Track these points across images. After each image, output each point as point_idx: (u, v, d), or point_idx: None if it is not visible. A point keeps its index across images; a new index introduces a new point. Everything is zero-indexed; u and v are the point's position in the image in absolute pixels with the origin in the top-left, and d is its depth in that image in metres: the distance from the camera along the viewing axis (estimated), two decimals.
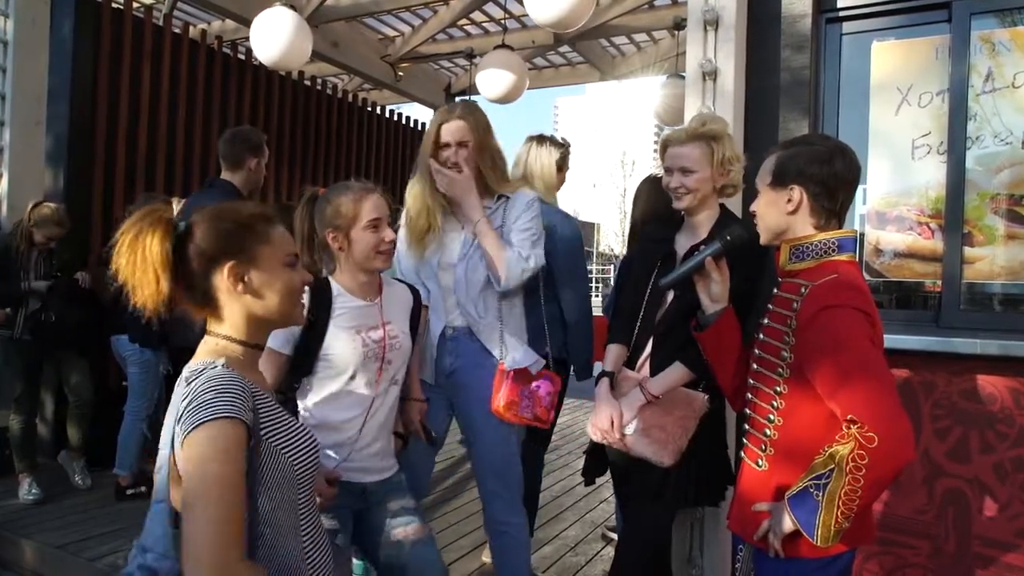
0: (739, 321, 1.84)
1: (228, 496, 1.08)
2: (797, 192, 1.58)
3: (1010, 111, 2.53)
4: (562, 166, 3.06)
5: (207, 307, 1.27)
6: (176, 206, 1.25)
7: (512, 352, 2.27)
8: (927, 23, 2.65)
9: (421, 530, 1.95)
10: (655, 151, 2.29)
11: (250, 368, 1.29)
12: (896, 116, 2.70)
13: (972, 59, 2.56)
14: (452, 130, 2.23)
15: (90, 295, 4.01)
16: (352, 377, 1.87)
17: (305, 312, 1.39)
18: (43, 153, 4.49)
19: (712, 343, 1.83)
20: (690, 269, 1.82)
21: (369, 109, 7.16)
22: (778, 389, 1.58)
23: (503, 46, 5.00)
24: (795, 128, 2.68)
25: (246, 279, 1.24)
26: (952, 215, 2.57)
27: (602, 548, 3.40)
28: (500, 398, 2.21)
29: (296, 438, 1.27)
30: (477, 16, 5.83)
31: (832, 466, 1.41)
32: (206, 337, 1.28)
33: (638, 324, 2.16)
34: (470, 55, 6.18)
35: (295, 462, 1.25)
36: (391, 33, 6.38)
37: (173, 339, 3.51)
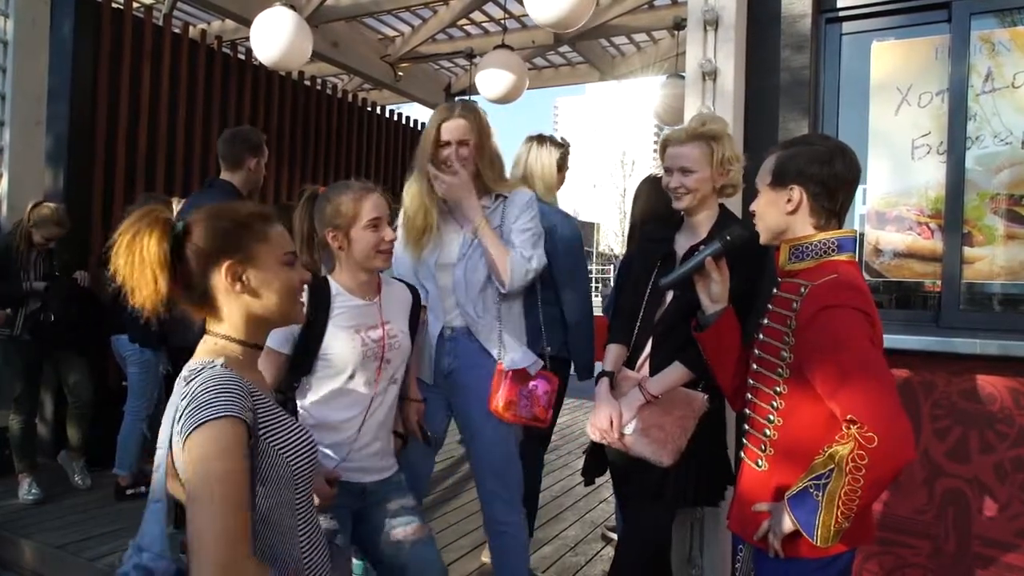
0: (739, 321, 1.84)
1: (232, 494, 1.08)
2: (797, 192, 1.58)
3: (1010, 111, 2.53)
4: (562, 166, 3.06)
5: (206, 307, 1.27)
6: (176, 206, 1.25)
7: (511, 352, 2.27)
8: (927, 23, 2.66)
9: (421, 530, 1.95)
10: (655, 151, 2.29)
11: (249, 368, 1.29)
12: (896, 116, 2.70)
13: (972, 59, 2.56)
14: (452, 128, 2.22)
15: (89, 294, 4.01)
16: (351, 376, 1.87)
17: (304, 311, 1.39)
18: (43, 153, 4.49)
19: (712, 343, 1.83)
20: (690, 269, 1.82)
21: (369, 109, 7.16)
22: (778, 389, 1.58)
23: (503, 46, 4.99)
24: (795, 128, 2.68)
25: (244, 278, 1.24)
26: (952, 215, 2.57)
27: (602, 548, 3.40)
28: (499, 398, 2.21)
29: (294, 438, 1.27)
30: (477, 16, 5.83)
31: (832, 466, 1.41)
32: (205, 336, 1.28)
33: (638, 324, 2.16)
34: (470, 55, 6.17)
35: (292, 462, 1.25)
36: (391, 33, 6.38)
37: (173, 339, 3.51)
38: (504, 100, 5.06)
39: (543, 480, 3.28)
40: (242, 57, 5.73)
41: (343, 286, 1.92)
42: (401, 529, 1.91)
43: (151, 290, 1.18)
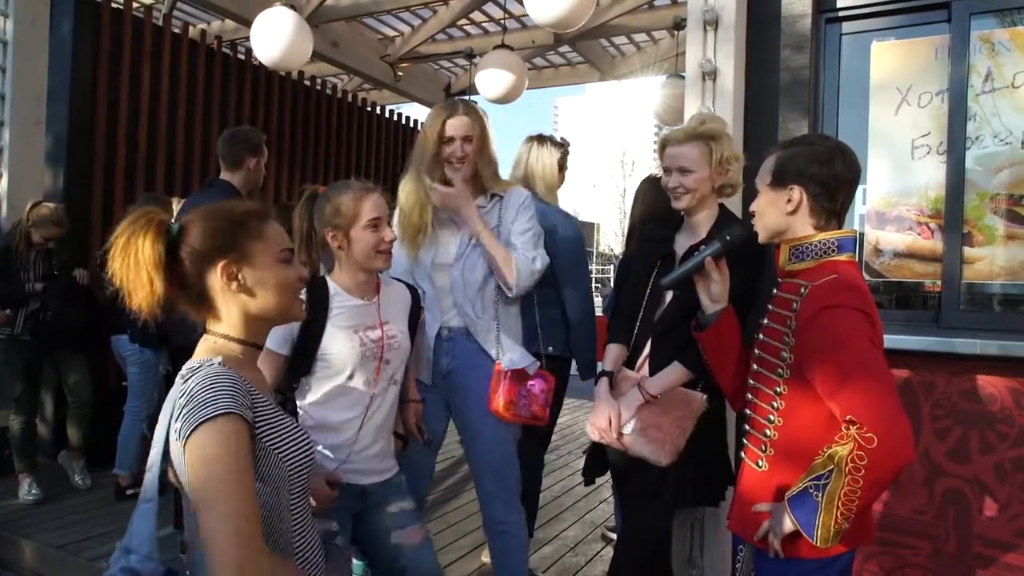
0: (739, 321, 1.84)
1: (239, 492, 1.09)
2: (797, 192, 1.58)
3: (1010, 111, 2.53)
4: (562, 165, 3.06)
5: (204, 307, 1.27)
6: (176, 206, 1.26)
7: (509, 353, 2.27)
8: (927, 23, 2.65)
9: (419, 534, 1.95)
10: (655, 151, 2.29)
11: (249, 367, 1.28)
12: (896, 116, 2.70)
13: (972, 59, 2.56)
14: (457, 125, 2.22)
15: (88, 293, 4.01)
16: (350, 377, 1.87)
17: (304, 308, 1.39)
18: (43, 153, 4.49)
19: (712, 343, 1.83)
20: (690, 269, 1.82)
21: (369, 109, 7.16)
22: (778, 389, 1.58)
23: (503, 46, 4.99)
24: (795, 128, 2.68)
25: (240, 277, 1.24)
26: (952, 215, 2.57)
27: (602, 548, 3.40)
28: (499, 398, 2.21)
29: (290, 439, 1.27)
30: (477, 16, 5.83)
31: (831, 467, 1.41)
32: (205, 336, 1.28)
33: (637, 324, 2.16)
34: (470, 55, 6.17)
35: (288, 463, 1.25)
36: (391, 33, 6.38)
37: (173, 339, 3.51)
38: (504, 100, 5.06)
39: (543, 480, 3.28)
40: (242, 57, 5.73)
41: (341, 286, 1.92)
42: (399, 532, 1.91)
43: (147, 292, 1.18)
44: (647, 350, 2.13)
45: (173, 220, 1.26)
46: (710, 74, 2.64)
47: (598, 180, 68.03)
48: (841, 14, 2.72)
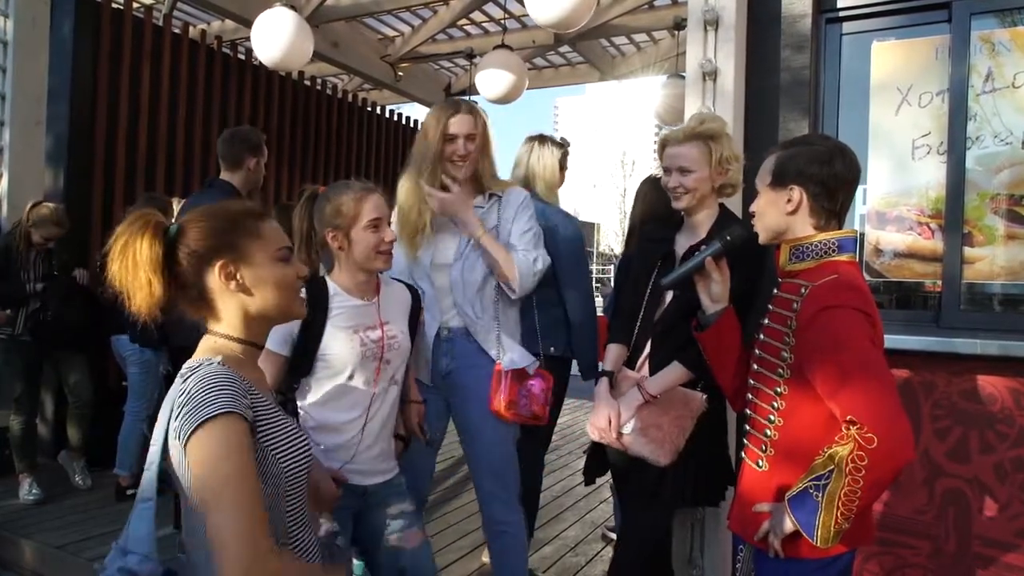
0: (739, 321, 1.84)
1: (244, 491, 1.09)
2: (797, 192, 1.58)
3: (1010, 111, 2.53)
4: (563, 165, 3.06)
5: (203, 307, 1.27)
6: (176, 206, 1.26)
7: (510, 352, 2.27)
8: (927, 23, 2.65)
9: (417, 536, 1.95)
10: (655, 151, 2.29)
11: (249, 366, 1.28)
12: (896, 116, 2.70)
13: (972, 59, 2.56)
14: (461, 123, 2.22)
15: (88, 293, 4.01)
16: (350, 377, 1.86)
17: (304, 305, 1.38)
18: (43, 153, 4.49)
19: (712, 343, 1.83)
20: (690, 269, 1.82)
21: (369, 109, 7.16)
22: (778, 390, 1.58)
23: (503, 46, 4.99)
24: (795, 128, 2.68)
25: (238, 277, 1.24)
26: (952, 215, 2.57)
27: (602, 548, 3.40)
28: (500, 398, 2.21)
29: (288, 441, 1.27)
30: (477, 16, 5.83)
31: (832, 467, 1.41)
32: (205, 335, 1.28)
33: (638, 324, 2.16)
34: (470, 55, 6.17)
35: (285, 465, 1.24)
36: (391, 33, 6.38)
37: (173, 339, 3.51)
38: (504, 100, 5.06)
39: (543, 480, 3.28)
40: (242, 57, 5.73)
41: (341, 286, 1.92)
42: (398, 535, 1.91)
43: (146, 293, 1.19)
44: (647, 350, 2.13)
45: (173, 220, 1.26)
46: (710, 74, 2.64)
47: (598, 180, 68.02)
48: (841, 14, 2.72)
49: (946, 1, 2.58)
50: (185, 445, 1.11)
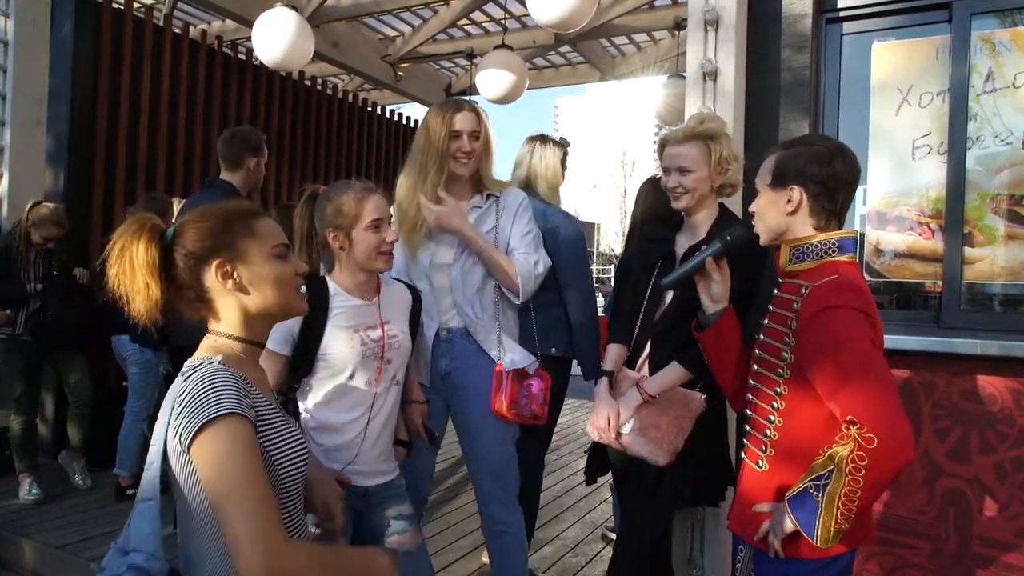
0: (739, 321, 1.84)
1: (255, 491, 1.09)
2: (797, 192, 1.58)
3: (1010, 111, 2.53)
4: (563, 165, 3.06)
5: (203, 307, 1.27)
6: (176, 206, 1.26)
7: (510, 353, 2.27)
8: (927, 23, 2.65)
9: (415, 539, 1.96)
10: (655, 151, 2.29)
11: (250, 365, 1.28)
12: (896, 116, 2.70)
13: (972, 59, 2.56)
14: (465, 120, 2.22)
15: (88, 293, 4.01)
16: (351, 376, 1.86)
17: (305, 301, 1.39)
18: (43, 153, 4.50)
19: (713, 343, 1.83)
20: (690, 269, 1.82)
21: (369, 109, 7.16)
22: (778, 390, 1.58)
23: (503, 46, 4.99)
24: (795, 128, 2.68)
25: (235, 275, 1.24)
26: (952, 215, 2.57)
27: (602, 549, 3.40)
28: (502, 399, 2.21)
29: (286, 443, 1.27)
30: (477, 16, 5.83)
31: (832, 467, 1.41)
32: (206, 335, 1.29)
33: (638, 324, 2.16)
34: (470, 55, 6.18)
35: (282, 466, 1.24)
36: (391, 33, 6.39)
37: (173, 339, 3.51)
38: (504, 100, 5.06)
39: (543, 480, 3.28)
40: (242, 57, 5.73)
41: (342, 286, 1.92)
42: (396, 537, 1.92)
43: (144, 297, 1.19)
44: (647, 350, 2.13)
45: (174, 220, 1.26)
46: (711, 74, 2.64)
47: (598, 180, 68.03)
48: (842, 14, 2.72)
49: (946, 1, 2.58)
50: (189, 446, 1.11)
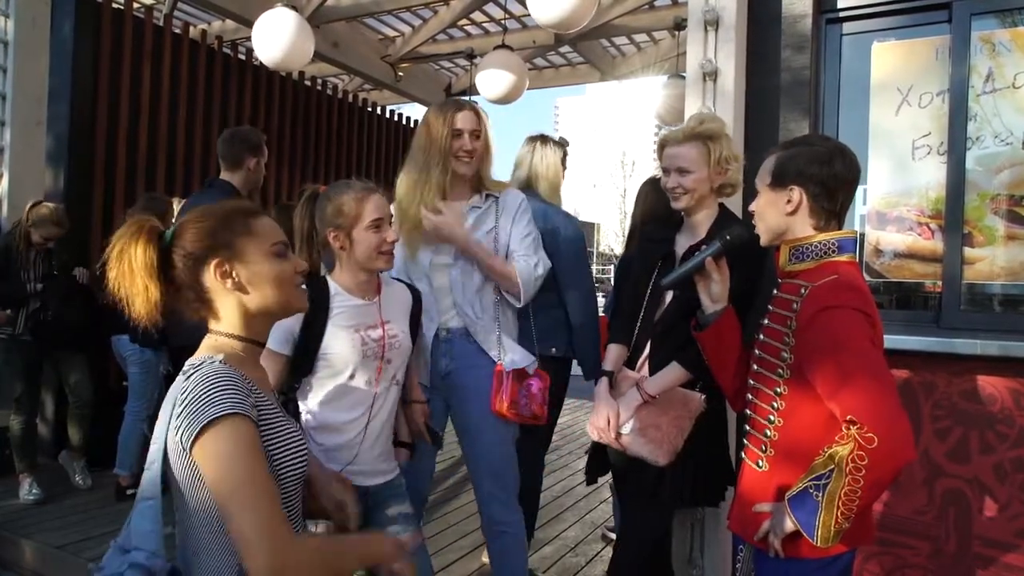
0: (739, 321, 1.84)
1: (259, 488, 1.10)
2: (796, 193, 1.58)
3: (1010, 111, 2.53)
4: (563, 165, 3.06)
5: (203, 307, 1.27)
6: (176, 206, 1.27)
7: (510, 353, 2.27)
8: (927, 23, 2.65)
9: (414, 539, 1.95)
10: (655, 151, 2.29)
11: (251, 364, 1.29)
12: (896, 116, 2.70)
13: (972, 59, 2.56)
14: (467, 119, 2.23)
15: (88, 293, 4.01)
16: (352, 376, 1.87)
17: (306, 298, 1.39)
18: (43, 153, 4.50)
19: (712, 343, 1.83)
20: (690, 269, 1.82)
21: (369, 109, 7.16)
22: (778, 390, 1.58)
23: (503, 46, 4.99)
24: (795, 128, 2.68)
25: (234, 275, 1.25)
26: (952, 216, 2.57)
27: (602, 549, 3.40)
28: (503, 399, 2.21)
29: (287, 442, 1.27)
30: (477, 16, 5.83)
31: (832, 467, 1.41)
32: (207, 335, 1.29)
33: (638, 324, 2.16)
34: (470, 55, 6.18)
35: (282, 466, 1.24)
36: (391, 33, 6.39)
37: (173, 339, 3.51)
38: (504, 100, 5.06)
39: (543, 480, 3.28)
40: (242, 57, 5.73)
41: (342, 286, 1.92)
42: (398, 536, 1.91)
43: (144, 299, 1.20)
44: (647, 350, 2.13)
45: (174, 220, 1.27)
46: (711, 74, 2.64)
47: (598, 180, 68.02)
48: (842, 14, 2.73)
49: (946, 1, 2.58)
50: (191, 445, 1.11)
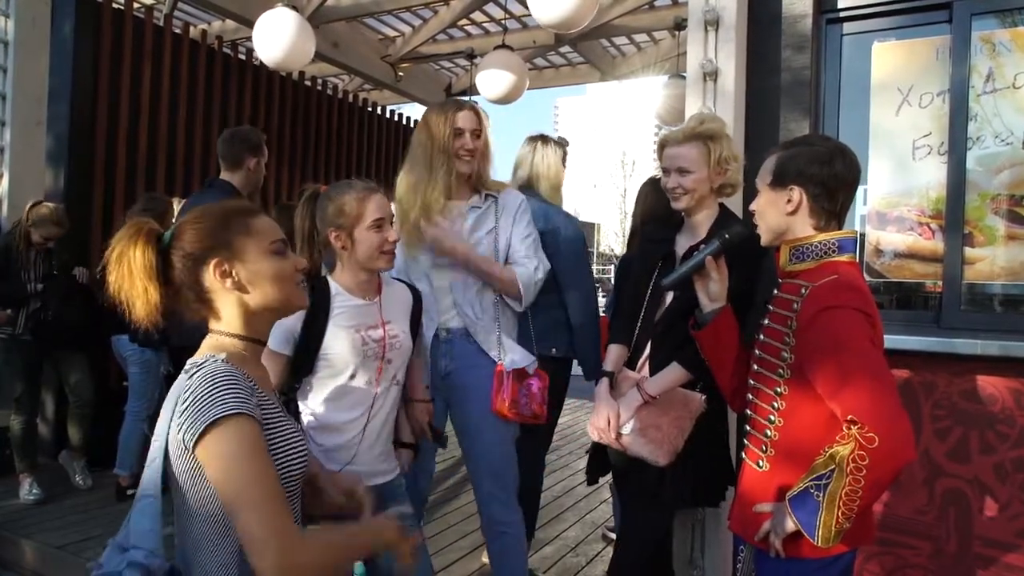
0: (738, 320, 1.84)
1: (264, 488, 1.11)
2: (797, 193, 1.58)
3: (1011, 111, 2.53)
4: (563, 164, 3.07)
5: (204, 307, 1.27)
6: (176, 206, 1.27)
7: (511, 353, 2.27)
8: (928, 24, 2.65)
9: (416, 538, 1.95)
10: (655, 151, 2.29)
11: (252, 363, 1.29)
12: (897, 116, 2.70)
13: (973, 60, 2.56)
14: (467, 118, 2.24)
15: (88, 293, 4.01)
16: (352, 376, 1.87)
17: (306, 295, 1.39)
18: (43, 153, 4.50)
19: (710, 342, 1.83)
20: (690, 269, 1.82)
21: (369, 109, 7.16)
22: (778, 390, 1.58)
23: (503, 46, 4.99)
24: (795, 128, 2.68)
25: (233, 274, 1.25)
26: (953, 216, 2.57)
27: (602, 549, 3.40)
28: (503, 398, 2.21)
29: (288, 442, 1.27)
30: (477, 16, 5.83)
31: (833, 467, 1.41)
32: (208, 335, 1.29)
33: (638, 325, 2.16)
34: (470, 55, 6.18)
35: (283, 466, 1.24)
36: (391, 33, 6.39)
37: (174, 339, 3.51)
38: (504, 100, 5.06)
39: (543, 480, 3.28)
40: (242, 57, 5.73)
41: (343, 286, 1.92)
42: None
43: (144, 301, 1.20)
44: (648, 351, 2.13)
45: (174, 220, 1.27)
46: (711, 74, 2.64)
47: (598, 180, 67.99)
48: (842, 14, 2.72)
49: (947, 1, 2.58)
50: (195, 445, 1.11)
